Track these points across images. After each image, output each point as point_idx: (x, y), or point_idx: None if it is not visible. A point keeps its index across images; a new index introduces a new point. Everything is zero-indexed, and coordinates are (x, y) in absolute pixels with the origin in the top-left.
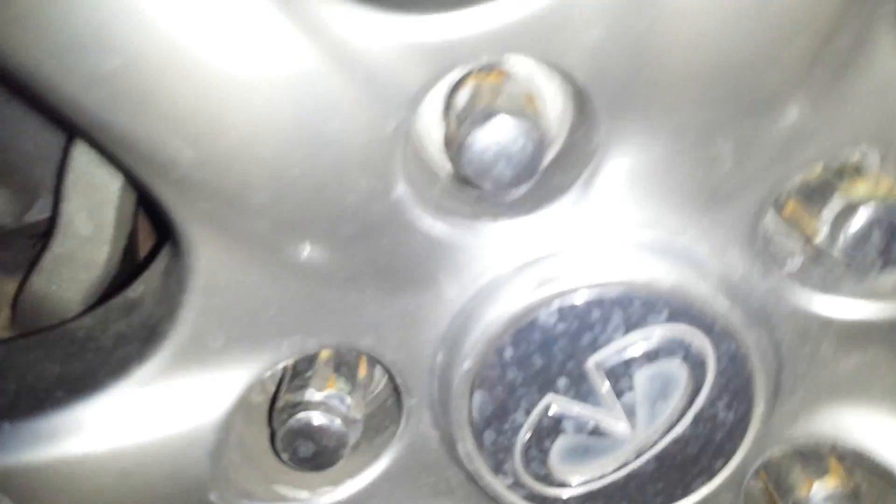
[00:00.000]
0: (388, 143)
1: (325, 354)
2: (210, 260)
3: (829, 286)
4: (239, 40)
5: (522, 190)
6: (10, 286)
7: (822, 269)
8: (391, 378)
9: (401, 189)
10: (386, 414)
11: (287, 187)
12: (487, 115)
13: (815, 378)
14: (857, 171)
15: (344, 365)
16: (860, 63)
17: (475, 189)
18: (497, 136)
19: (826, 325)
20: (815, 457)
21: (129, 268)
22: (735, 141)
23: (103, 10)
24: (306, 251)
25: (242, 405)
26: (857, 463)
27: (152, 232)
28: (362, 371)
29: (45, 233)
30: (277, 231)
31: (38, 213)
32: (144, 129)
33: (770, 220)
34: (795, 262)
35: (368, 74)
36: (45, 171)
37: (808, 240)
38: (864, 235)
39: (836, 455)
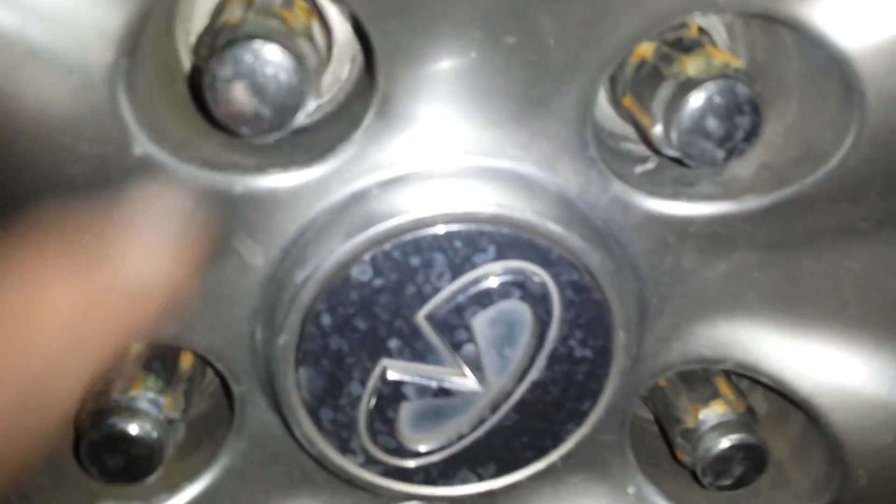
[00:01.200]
0: (102, 94)
1: (135, 349)
2: None
3: (679, 189)
4: None
5: (289, 131)
6: None
7: (669, 169)
8: (210, 366)
9: (143, 147)
10: (216, 413)
11: None
12: (230, 43)
13: (683, 295)
14: (686, 48)
15: (156, 359)
16: None
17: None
18: (244, 69)
19: (683, 232)
20: (701, 381)
21: None
22: (530, 29)
23: None
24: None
25: None
26: (746, 381)
27: None
28: (186, 362)
29: None
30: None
31: None
32: None
33: (609, 121)
34: (640, 167)
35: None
36: None
37: (647, 138)
38: (696, 124)
39: (723, 376)
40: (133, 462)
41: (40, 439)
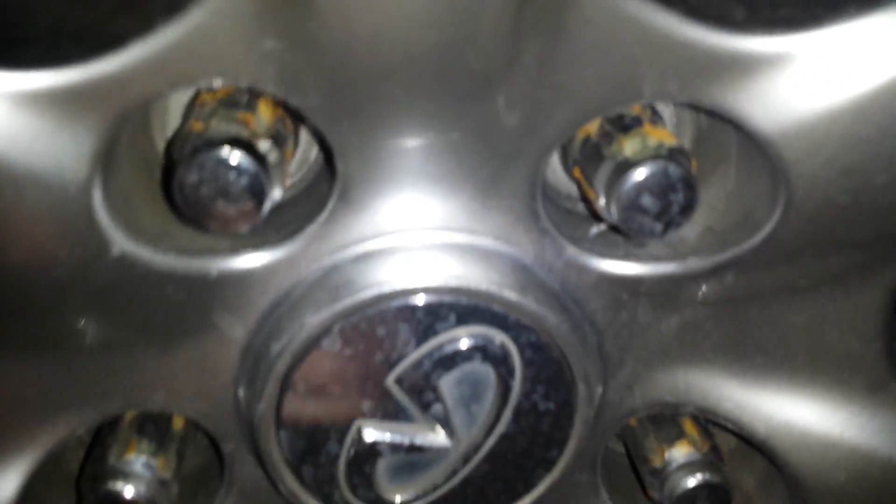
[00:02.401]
0: (79, 206)
1: (129, 416)
2: None
3: (630, 251)
4: None
5: (258, 223)
6: None
7: (617, 235)
8: (199, 428)
9: (120, 246)
10: (209, 469)
11: None
12: (195, 150)
13: (641, 346)
14: (625, 128)
15: (150, 423)
16: (573, 19)
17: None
18: (208, 175)
19: (635, 291)
20: (668, 423)
21: None
22: (473, 124)
23: None
24: (38, 328)
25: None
26: (709, 423)
27: None
28: (177, 424)
29: None
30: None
31: None
32: None
33: (563, 183)
34: (595, 227)
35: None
36: None
37: (593, 209)
38: (633, 202)
39: (689, 417)
40: None
41: None
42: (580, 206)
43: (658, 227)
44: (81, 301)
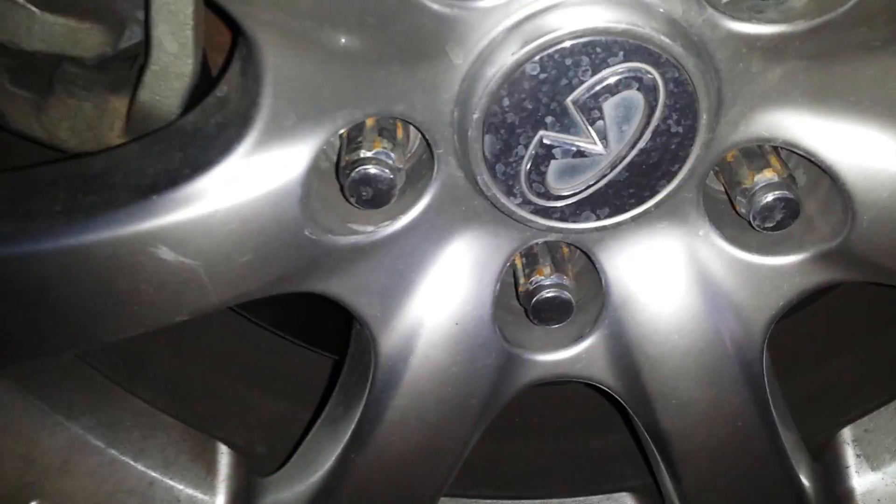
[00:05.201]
0: None
1: (370, 122)
2: (276, 57)
3: (752, 14)
4: None
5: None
6: (118, 102)
7: (746, 1)
8: (423, 135)
9: None
10: (422, 165)
11: None
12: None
13: (750, 91)
14: None
15: (385, 129)
16: None
17: None
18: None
19: (753, 46)
20: (757, 155)
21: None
22: None
23: None
24: (343, 41)
25: (316, 168)
26: (789, 154)
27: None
28: (399, 133)
29: (137, 55)
30: (321, 28)
31: (128, 40)
32: None
33: None
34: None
35: None
36: (127, 5)
37: None
38: None
39: (774, 152)
40: (377, 194)
41: None
42: None
43: None
44: (375, 21)
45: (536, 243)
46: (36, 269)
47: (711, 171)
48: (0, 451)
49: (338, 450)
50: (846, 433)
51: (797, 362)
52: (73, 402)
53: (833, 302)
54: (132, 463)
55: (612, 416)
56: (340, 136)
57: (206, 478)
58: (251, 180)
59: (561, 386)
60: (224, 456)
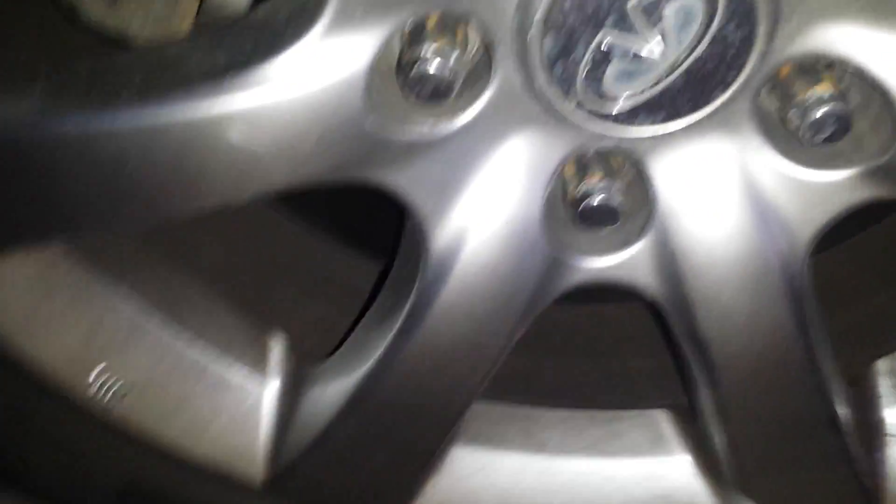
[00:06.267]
0: None
1: (431, 24)
2: None
3: None
4: None
5: None
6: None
7: None
8: (482, 37)
9: None
10: (481, 67)
11: None
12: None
13: (807, 3)
14: None
15: (447, 30)
16: None
17: None
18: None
19: None
20: (811, 70)
21: None
22: None
23: None
24: None
25: (378, 65)
26: (843, 70)
27: None
28: (459, 35)
29: None
30: None
31: None
32: None
33: None
34: None
35: None
36: None
37: None
38: None
39: (827, 67)
40: (437, 89)
41: None
42: None
43: None
44: None
45: (588, 152)
46: (112, 146)
47: (765, 88)
48: (66, 323)
49: (386, 341)
50: (881, 365)
51: (839, 295)
52: (135, 282)
53: (875, 237)
54: (188, 346)
55: (649, 340)
56: (401, 35)
57: (257, 365)
58: (318, 70)
59: (601, 310)
60: (276, 345)
